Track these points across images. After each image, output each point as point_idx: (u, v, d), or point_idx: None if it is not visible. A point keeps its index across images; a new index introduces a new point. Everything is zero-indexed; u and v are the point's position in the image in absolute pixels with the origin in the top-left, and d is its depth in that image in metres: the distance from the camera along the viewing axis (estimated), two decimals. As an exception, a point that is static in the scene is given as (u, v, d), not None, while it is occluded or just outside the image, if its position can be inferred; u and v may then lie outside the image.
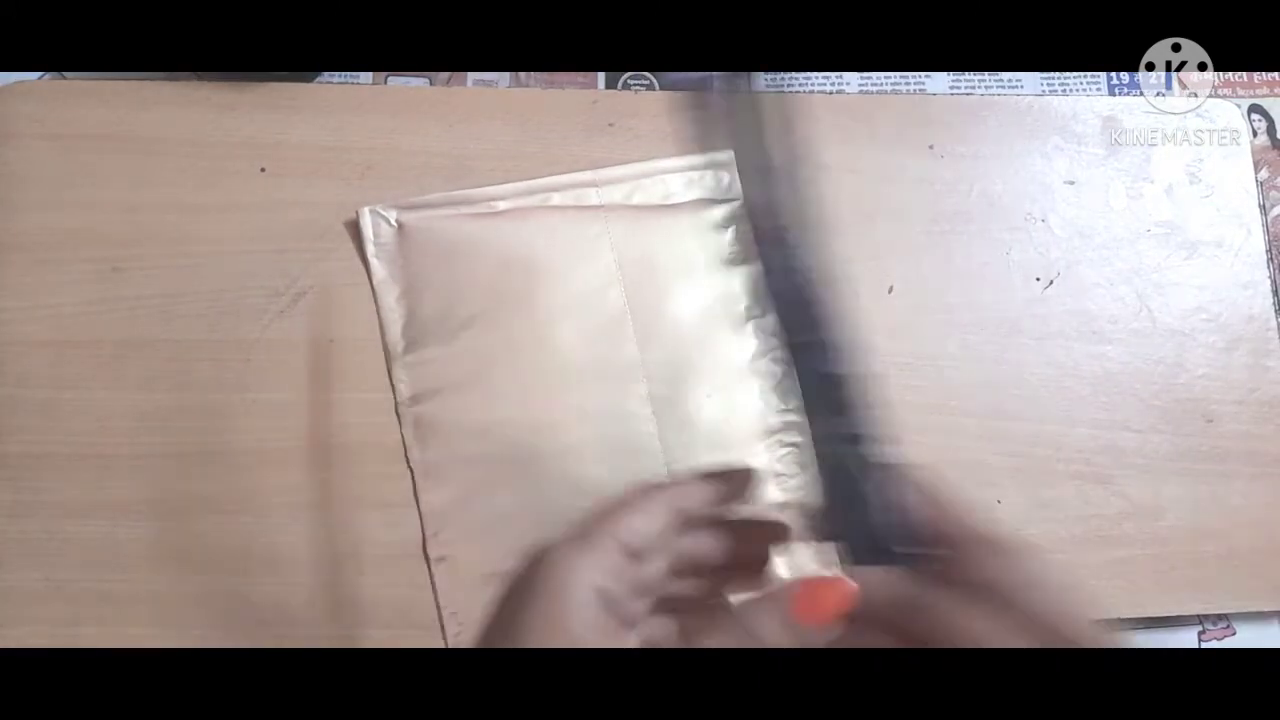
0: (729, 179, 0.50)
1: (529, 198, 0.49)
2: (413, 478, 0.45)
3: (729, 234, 0.49)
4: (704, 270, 0.49)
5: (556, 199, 0.49)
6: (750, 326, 0.48)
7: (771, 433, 0.47)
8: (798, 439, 0.47)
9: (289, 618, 0.43)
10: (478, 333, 0.46)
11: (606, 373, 0.47)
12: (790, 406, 0.47)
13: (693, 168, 0.50)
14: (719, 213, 0.50)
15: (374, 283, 0.47)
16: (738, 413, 0.47)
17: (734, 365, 0.48)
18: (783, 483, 0.47)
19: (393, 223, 0.47)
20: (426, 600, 0.44)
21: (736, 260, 0.49)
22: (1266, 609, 0.49)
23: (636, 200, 0.49)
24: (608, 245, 0.48)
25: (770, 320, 0.48)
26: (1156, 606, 0.48)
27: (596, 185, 0.49)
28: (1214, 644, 0.50)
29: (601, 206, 0.49)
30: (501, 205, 0.48)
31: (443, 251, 0.47)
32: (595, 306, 0.47)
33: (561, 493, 0.45)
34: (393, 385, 0.46)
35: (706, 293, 0.48)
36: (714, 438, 0.47)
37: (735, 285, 0.49)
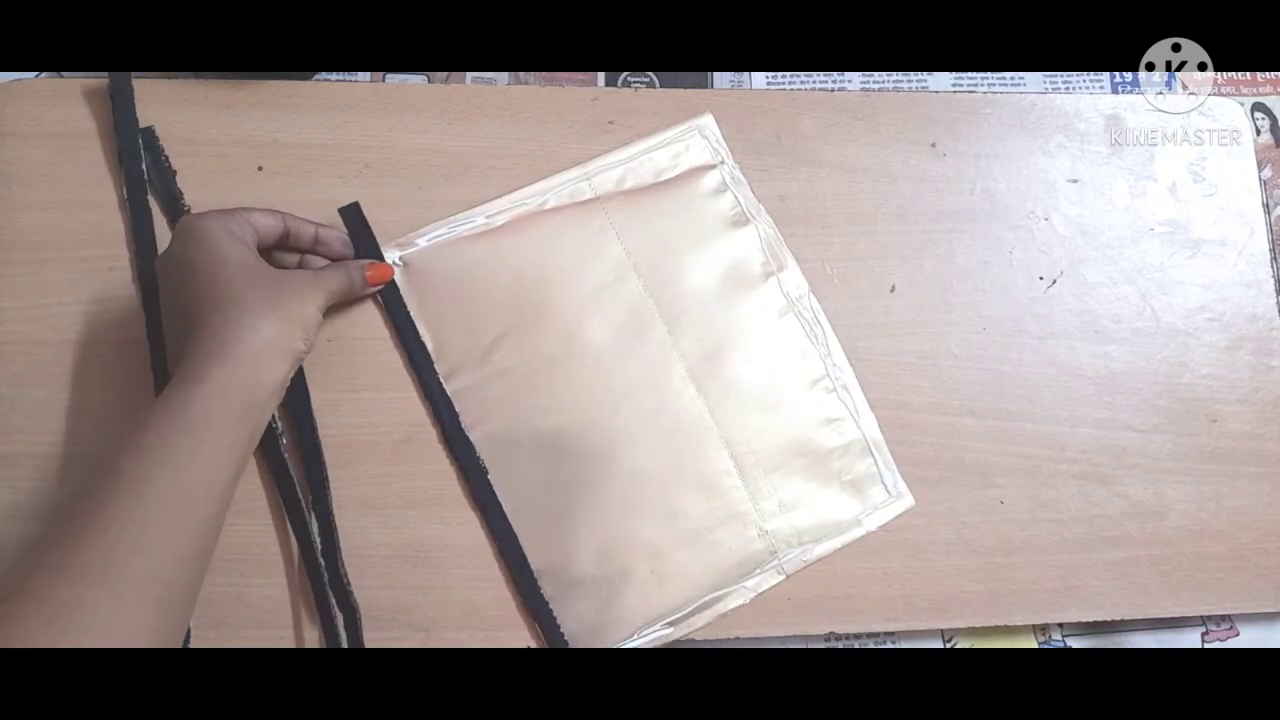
0: (713, 141, 0.50)
1: (524, 205, 0.48)
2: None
3: (726, 197, 0.49)
4: (711, 238, 0.49)
5: (551, 200, 0.49)
6: (771, 282, 0.49)
7: (816, 381, 0.48)
8: (843, 381, 0.48)
9: (286, 618, 0.43)
10: (508, 351, 0.46)
11: (642, 360, 0.47)
12: (829, 350, 0.48)
13: (677, 140, 0.50)
14: (711, 178, 0.50)
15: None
16: (780, 369, 0.48)
17: (764, 323, 0.48)
18: (838, 427, 0.47)
19: (398, 262, 0.47)
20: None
21: (740, 220, 0.49)
22: (1270, 610, 0.49)
23: (629, 184, 0.49)
24: (613, 235, 0.48)
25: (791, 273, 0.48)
26: (1159, 607, 0.48)
27: (588, 178, 0.49)
28: (1217, 645, 0.49)
29: (598, 198, 0.49)
30: (499, 219, 0.48)
31: (453, 280, 0.47)
32: (615, 298, 0.47)
33: (630, 489, 0.45)
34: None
35: (719, 259, 0.49)
36: (763, 398, 0.47)
37: (746, 244, 0.49)
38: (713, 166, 0.50)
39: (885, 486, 0.47)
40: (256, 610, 0.43)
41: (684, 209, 0.49)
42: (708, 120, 0.51)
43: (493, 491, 0.45)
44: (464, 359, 0.46)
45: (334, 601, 0.43)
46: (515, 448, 0.45)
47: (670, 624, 0.44)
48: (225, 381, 0.37)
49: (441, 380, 0.46)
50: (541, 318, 0.47)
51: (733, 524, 0.46)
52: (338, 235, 0.45)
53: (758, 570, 0.45)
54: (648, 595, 0.44)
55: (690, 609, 0.44)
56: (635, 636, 0.44)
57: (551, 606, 0.44)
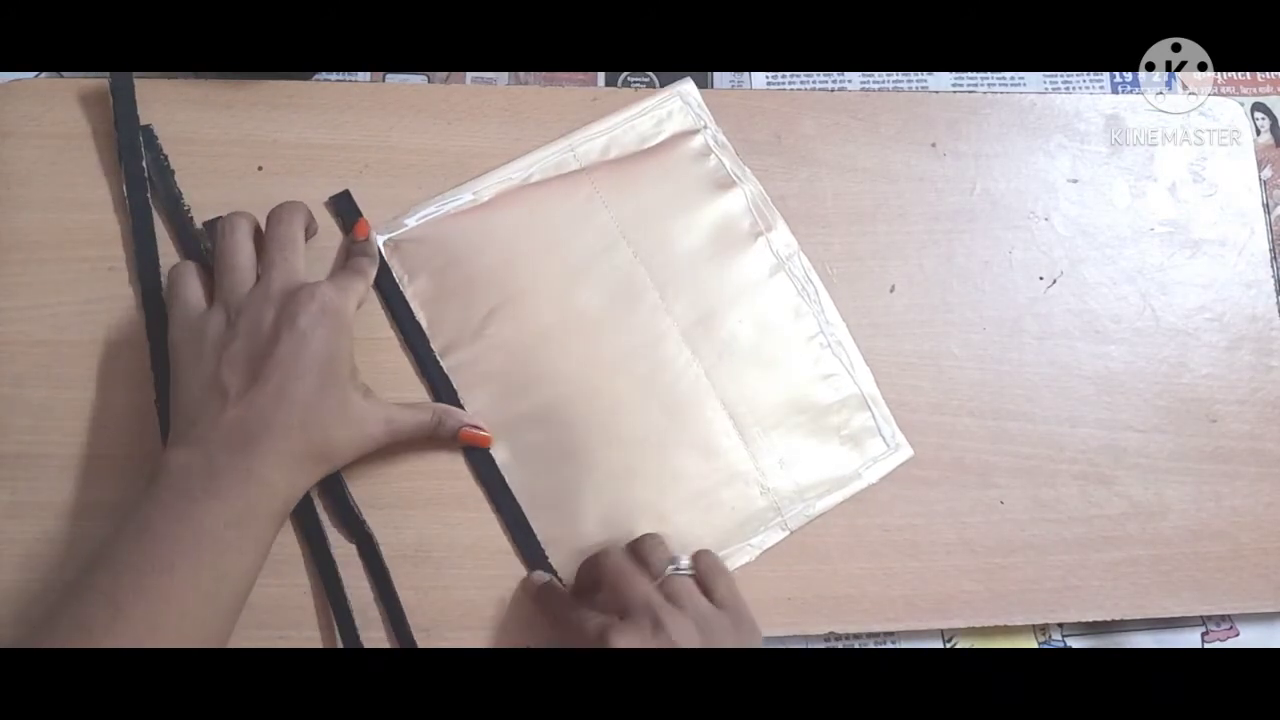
0: (694, 107, 0.51)
1: (510, 180, 0.48)
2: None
3: (711, 160, 0.50)
4: (698, 202, 0.49)
5: (537, 173, 0.49)
6: (760, 242, 0.49)
7: (811, 337, 0.48)
8: (837, 337, 0.48)
9: (289, 619, 0.43)
10: (502, 325, 0.46)
11: (635, 327, 0.47)
12: (821, 307, 0.49)
13: (658, 106, 0.51)
14: (695, 142, 0.50)
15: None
16: (773, 328, 0.48)
17: (755, 283, 0.49)
18: (834, 382, 0.48)
19: (388, 243, 0.47)
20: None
21: (726, 183, 0.49)
22: (1270, 610, 0.49)
23: (614, 154, 0.50)
24: (600, 205, 0.48)
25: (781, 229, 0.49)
26: (1159, 607, 0.48)
27: (573, 149, 0.49)
28: (1217, 645, 0.49)
29: (584, 169, 0.49)
30: (485, 195, 0.48)
31: (444, 257, 0.47)
32: (606, 267, 0.48)
33: (631, 454, 0.46)
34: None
35: (708, 222, 0.49)
36: (758, 358, 0.48)
37: (733, 206, 0.49)
38: (696, 131, 0.50)
39: (884, 439, 0.48)
40: (257, 610, 0.43)
41: (669, 175, 0.49)
42: (688, 86, 0.51)
43: (495, 465, 0.45)
44: (459, 335, 0.46)
45: (346, 534, 0.43)
46: (515, 420, 0.46)
47: None
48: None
49: (438, 357, 0.46)
50: (533, 290, 0.47)
51: (734, 484, 0.46)
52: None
53: (762, 528, 0.46)
54: None
55: None
56: None
57: (560, 575, 0.44)
